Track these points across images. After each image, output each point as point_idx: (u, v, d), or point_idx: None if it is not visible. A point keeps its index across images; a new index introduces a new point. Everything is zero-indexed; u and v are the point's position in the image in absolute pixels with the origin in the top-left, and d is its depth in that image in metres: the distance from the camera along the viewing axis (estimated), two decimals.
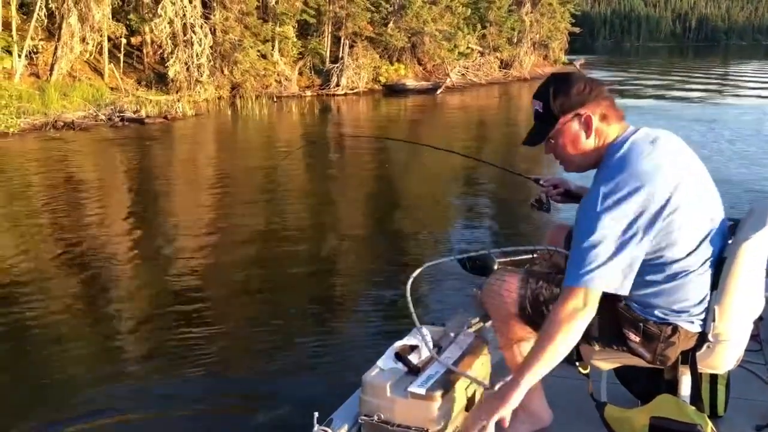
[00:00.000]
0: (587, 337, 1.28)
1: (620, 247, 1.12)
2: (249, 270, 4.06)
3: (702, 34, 70.16)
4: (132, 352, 2.88)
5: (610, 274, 1.12)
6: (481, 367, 1.41)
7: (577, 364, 1.41)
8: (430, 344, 1.40)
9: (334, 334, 3.05)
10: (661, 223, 1.14)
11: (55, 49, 12.12)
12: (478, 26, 20.44)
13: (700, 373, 1.31)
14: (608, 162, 1.20)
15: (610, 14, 69.21)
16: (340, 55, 16.53)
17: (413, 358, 1.35)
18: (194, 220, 5.24)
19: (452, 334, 1.46)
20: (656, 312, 1.22)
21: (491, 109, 15.35)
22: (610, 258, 1.12)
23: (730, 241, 1.24)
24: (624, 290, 1.14)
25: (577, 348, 1.38)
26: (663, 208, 1.13)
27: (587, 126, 1.23)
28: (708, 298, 1.21)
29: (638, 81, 21.03)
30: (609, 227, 1.12)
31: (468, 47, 19.50)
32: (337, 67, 16.29)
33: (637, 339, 1.23)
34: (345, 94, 15.95)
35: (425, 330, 1.43)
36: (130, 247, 4.51)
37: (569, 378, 1.61)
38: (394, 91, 16.61)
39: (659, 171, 1.15)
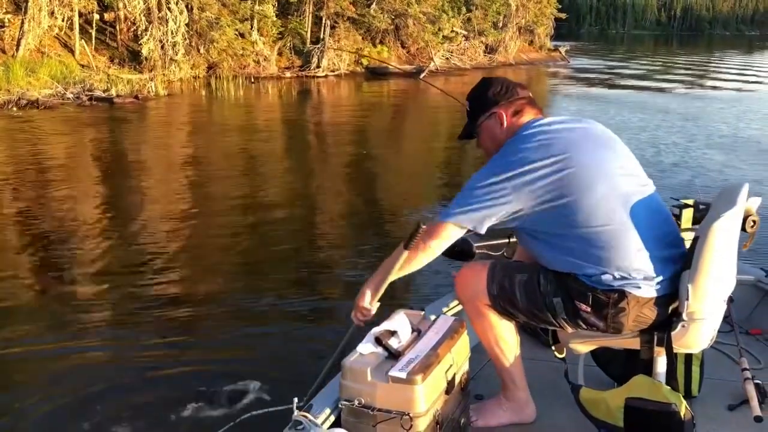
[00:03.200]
0: (555, 317, 1.35)
1: (486, 196, 1.30)
2: (226, 248, 4.00)
3: (687, 23, 70.98)
4: (102, 334, 2.82)
5: (469, 216, 1.32)
6: (460, 349, 1.41)
7: (553, 348, 1.43)
8: (410, 328, 1.40)
9: (313, 317, 3.04)
10: (545, 186, 1.27)
11: (22, 23, 11.57)
12: (463, 9, 20.23)
13: (675, 354, 1.34)
14: (511, 139, 1.38)
15: (596, 1, 69.37)
16: (321, 36, 16.20)
17: (393, 342, 1.35)
18: (161, 203, 5.12)
19: (432, 318, 1.46)
20: (602, 279, 1.29)
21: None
22: (476, 203, 1.31)
23: (696, 226, 1.28)
24: (480, 230, 1.33)
25: (552, 331, 1.41)
26: (552, 174, 1.27)
27: (500, 122, 1.40)
28: (649, 262, 1.27)
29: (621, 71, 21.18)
30: (485, 180, 1.31)
31: (452, 31, 19.30)
32: (318, 48, 15.98)
33: (588, 309, 1.30)
34: (326, 76, 15.68)
35: (405, 314, 1.43)
36: (97, 226, 4.38)
37: (546, 362, 1.64)
38: (376, 74, 16.40)
39: (549, 146, 1.30)
